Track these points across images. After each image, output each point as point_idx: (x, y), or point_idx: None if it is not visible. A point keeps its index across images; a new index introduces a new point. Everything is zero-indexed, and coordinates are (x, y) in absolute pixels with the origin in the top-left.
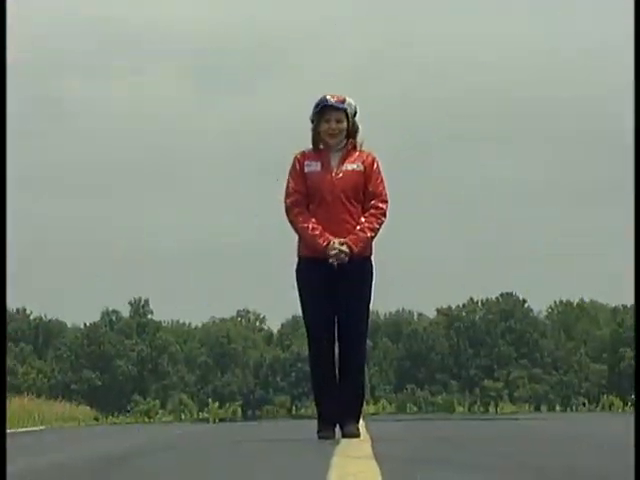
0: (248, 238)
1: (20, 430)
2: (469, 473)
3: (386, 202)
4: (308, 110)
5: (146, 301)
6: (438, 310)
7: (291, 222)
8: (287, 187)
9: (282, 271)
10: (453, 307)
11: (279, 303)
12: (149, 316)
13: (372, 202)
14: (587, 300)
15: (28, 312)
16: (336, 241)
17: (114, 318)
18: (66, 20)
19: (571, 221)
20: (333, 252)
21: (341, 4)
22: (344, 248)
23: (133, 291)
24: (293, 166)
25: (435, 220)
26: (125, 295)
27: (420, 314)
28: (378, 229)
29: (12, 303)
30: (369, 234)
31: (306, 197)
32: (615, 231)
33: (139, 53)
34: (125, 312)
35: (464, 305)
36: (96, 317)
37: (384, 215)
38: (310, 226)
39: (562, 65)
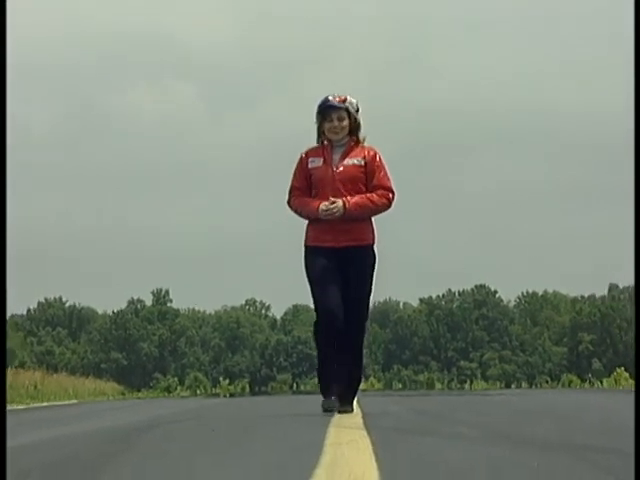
0: (255, 238)
1: (57, 403)
2: (448, 441)
3: (392, 192)
4: (312, 123)
5: (167, 291)
6: (420, 299)
7: (292, 208)
8: (290, 184)
9: (285, 266)
10: (433, 297)
11: (282, 293)
12: (169, 304)
13: (378, 191)
14: (550, 291)
15: (64, 300)
16: (325, 202)
17: (139, 306)
18: (89, 38)
19: (538, 221)
20: (324, 211)
21: (346, 21)
22: (334, 205)
23: (155, 282)
24: (297, 164)
25: (418, 221)
26: (148, 286)
27: (405, 303)
28: (378, 205)
29: (50, 293)
30: (367, 198)
31: (307, 193)
32: (577, 230)
33: (161, 70)
34: (148, 301)
35: (443, 295)
36: (123, 305)
37: (387, 199)
38: (302, 200)
39: (561, 75)
